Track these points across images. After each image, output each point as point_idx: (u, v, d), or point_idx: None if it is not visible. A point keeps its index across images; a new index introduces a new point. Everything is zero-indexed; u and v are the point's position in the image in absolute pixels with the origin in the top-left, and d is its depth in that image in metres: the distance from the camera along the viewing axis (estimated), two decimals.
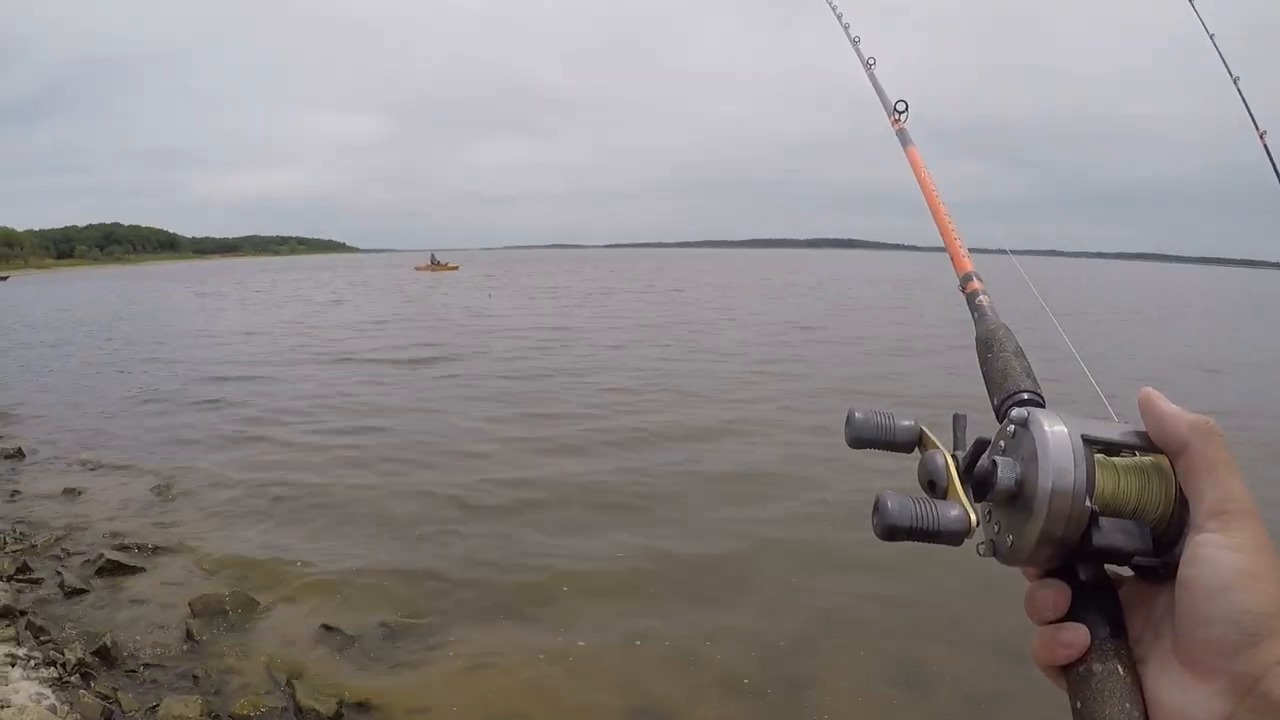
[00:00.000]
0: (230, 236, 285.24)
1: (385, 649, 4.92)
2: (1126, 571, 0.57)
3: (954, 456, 0.63)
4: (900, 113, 1.23)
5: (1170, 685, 0.49)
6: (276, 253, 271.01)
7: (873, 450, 0.69)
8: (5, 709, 3.69)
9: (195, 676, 4.53)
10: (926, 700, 4.42)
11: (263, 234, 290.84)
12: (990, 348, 0.73)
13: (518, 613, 5.33)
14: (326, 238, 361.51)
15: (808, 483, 8.04)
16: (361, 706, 4.28)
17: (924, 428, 0.68)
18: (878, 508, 0.56)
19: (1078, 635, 0.53)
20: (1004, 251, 1.33)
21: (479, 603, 5.49)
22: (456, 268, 74.97)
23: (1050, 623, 0.55)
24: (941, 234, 0.96)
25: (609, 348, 18.54)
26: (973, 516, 0.57)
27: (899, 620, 5.25)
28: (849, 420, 0.69)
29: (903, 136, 1.20)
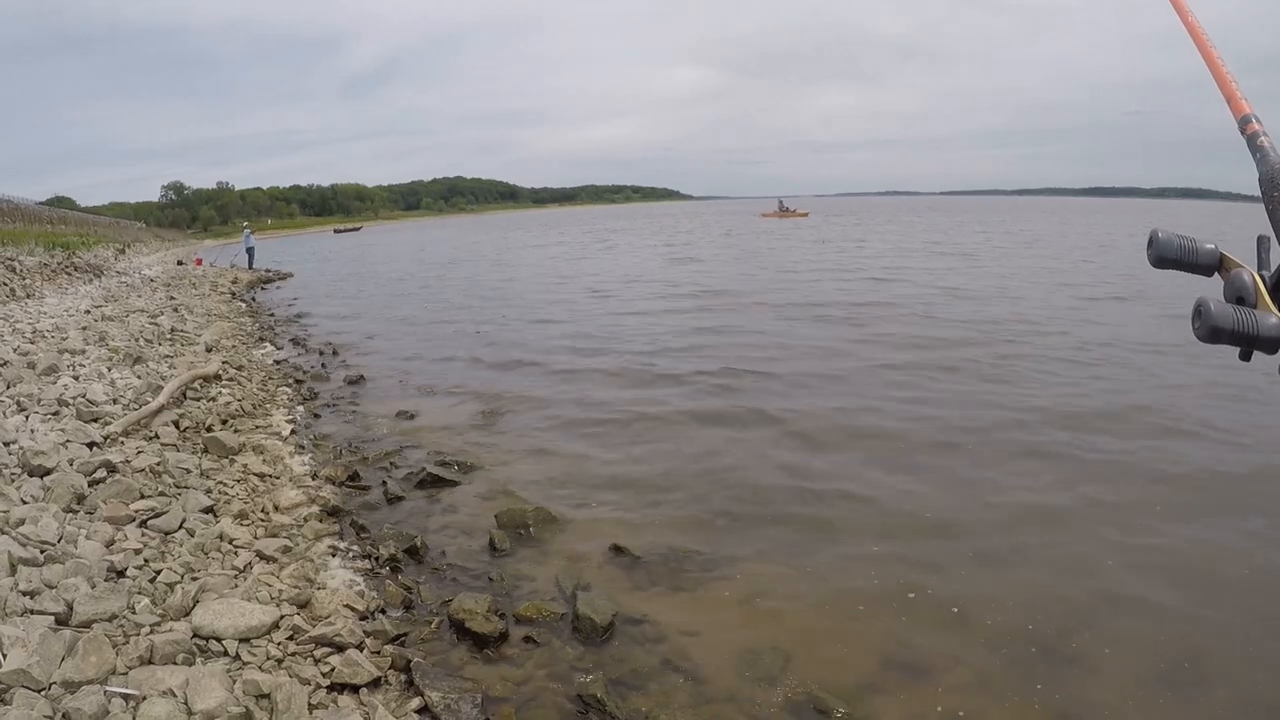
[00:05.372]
0: (567, 186, 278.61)
1: (667, 573, 4.88)
2: None
3: (1260, 276, 0.70)
4: None
5: None
6: (612, 200, 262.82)
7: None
8: (321, 590, 3.96)
9: (491, 579, 4.78)
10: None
11: (598, 183, 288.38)
12: (1276, 186, 0.76)
13: (803, 552, 5.11)
14: (661, 186, 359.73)
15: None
16: (634, 620, 4.28)
17: (1225, 251, 0.75)
18: (1200, 312, 0.61)
19: None
20: None
21: (766, 540, 5.32)
22: (806, 214, 71.33)
23: None
24: (1215, 78, 0.95)
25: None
26: None
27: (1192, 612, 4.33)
28: (1151, 241, 0.78)
29: None
